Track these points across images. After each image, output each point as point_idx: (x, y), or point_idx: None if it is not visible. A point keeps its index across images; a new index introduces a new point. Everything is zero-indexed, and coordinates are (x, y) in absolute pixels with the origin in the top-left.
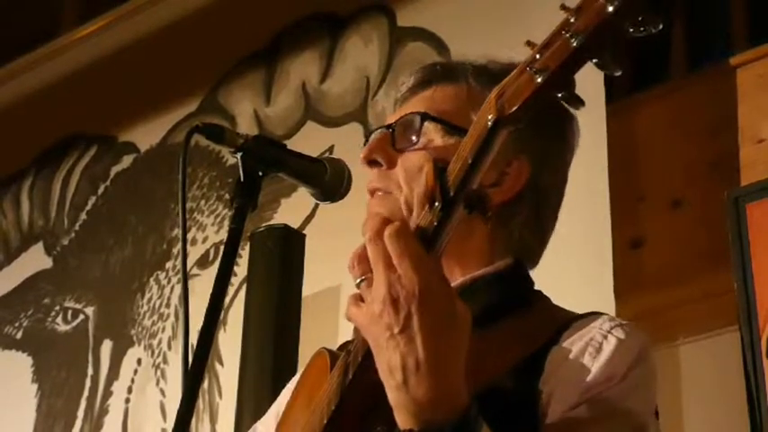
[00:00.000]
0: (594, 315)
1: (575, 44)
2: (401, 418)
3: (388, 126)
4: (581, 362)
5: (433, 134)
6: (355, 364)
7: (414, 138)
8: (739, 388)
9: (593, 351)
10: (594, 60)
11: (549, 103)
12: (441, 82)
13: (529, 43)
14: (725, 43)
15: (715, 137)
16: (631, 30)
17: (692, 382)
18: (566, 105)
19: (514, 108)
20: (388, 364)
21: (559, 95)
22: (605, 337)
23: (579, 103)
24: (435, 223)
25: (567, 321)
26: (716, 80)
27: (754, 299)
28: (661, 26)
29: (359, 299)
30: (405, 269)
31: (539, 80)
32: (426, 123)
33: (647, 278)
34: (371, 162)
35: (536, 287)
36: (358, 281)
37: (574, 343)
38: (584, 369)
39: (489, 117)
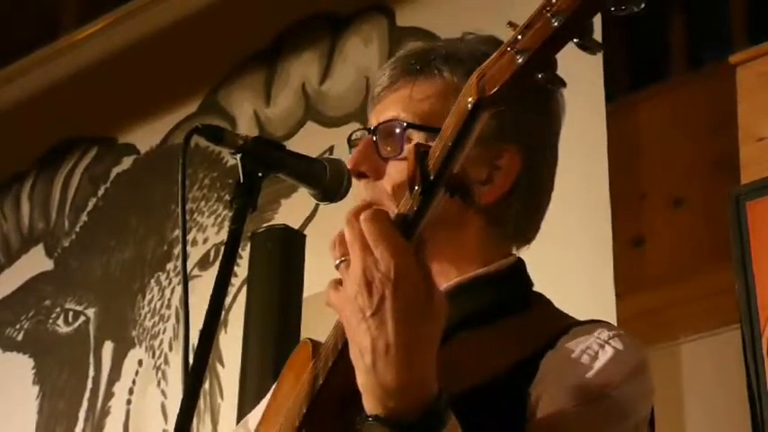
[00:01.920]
0: (594, 323)
1: (555, 24)
2: (368, 403)
3: (370, 130)
4: (576, 368)
5: (417, 140)
6: (335, 352)
7: (399, 147)
8: (740, 386)
9: (588, 359)
10: (576, 40)
11: (529, 83)
12: (417, 77)
13: (510, 24)
14: (725, 41)
15: (715, 135)
16: (613, 9)
17: (693, 381)
18: (548, 85)
19: (495, 89)
20: (359, 346)
21: (540, 76)
22: (602, 347)
23: (560, 83)
24: (415, 208)
25: (566, 327)
26: (716, 78)
27: (755, 297)
28: (643, 5)
29: (338, 284)
30: (381, 252)
31: (519, 60)
32: (409, 131)
33: (648, 277)
34: (358, 173)
35: (537, 285)
36: (337, 262)
37: (570, 350)
38: (579, 375)
39: (470, 99)
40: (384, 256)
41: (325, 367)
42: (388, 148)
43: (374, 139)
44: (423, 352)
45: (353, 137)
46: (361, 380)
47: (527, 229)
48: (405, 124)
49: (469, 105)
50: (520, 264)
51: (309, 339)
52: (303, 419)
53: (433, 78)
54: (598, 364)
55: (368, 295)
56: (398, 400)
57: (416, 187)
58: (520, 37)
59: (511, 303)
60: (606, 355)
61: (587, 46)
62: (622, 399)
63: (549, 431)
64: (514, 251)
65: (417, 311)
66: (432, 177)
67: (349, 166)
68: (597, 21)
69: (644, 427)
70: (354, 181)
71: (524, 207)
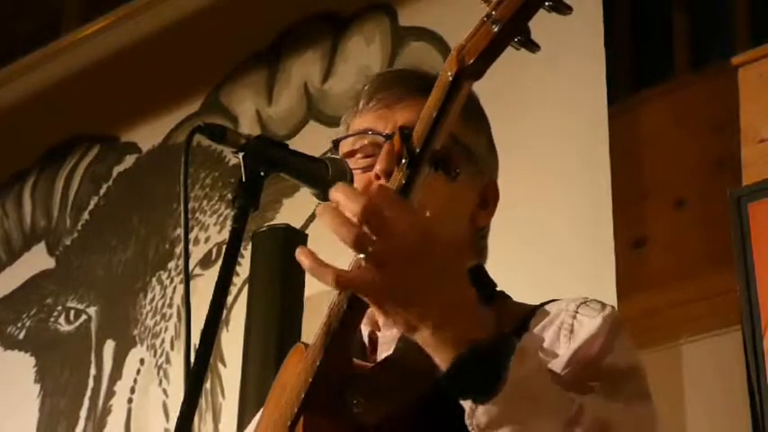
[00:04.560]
0: (556, 300)
1: None
2: (443, 354)
3: (387, 135)
4: (557, 346)
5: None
6: (329, 335)
7: None
8: (741, 388)
9: (566, 333)
10: (547, 3)
11: (503, 49)
12: (424, 94)
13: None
14: (727, 42)
15: (717, 136)
16: None
17: (695, 382)
18: (525, 50)
19: (474, 58)
20: (413, 314)
21: (516, 40)
22: (574, 317)
23: (535, 47)
24: (404, 181)
25: (532, 309)
26: (718, 79)
27: (757, 298)
28: None
29: (347, 274)
30: (405, 226)
31: (495, 29)
32: None
33: (649, 277)
34: (389, 175)
35: (538, 285)
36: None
37: (545, 328)
38: (564, 352)
39: (450, 72)
40: (407, 231)
41: (321, 351)
42: None
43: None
44: (468, 296)
45: (343, 144)
46: (427, 342)
47: (487, 250)
48: None
49: (450, 77)
50: (480, 266)
51: (302, 342)
52: (302, 403)
53: None
54: (579, 337)
55: (407, 272)
56: (468, 341)
57: (403, 161)
58: (494, 12)
59: None
60: (582, 325)
61: (557, 8)
62: (613, 358)
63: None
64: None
65: (451, 265)
66: (417, 150)
67: (381, 167)
68: (599, 22)
69: (640, 365)
70: (356, 181)
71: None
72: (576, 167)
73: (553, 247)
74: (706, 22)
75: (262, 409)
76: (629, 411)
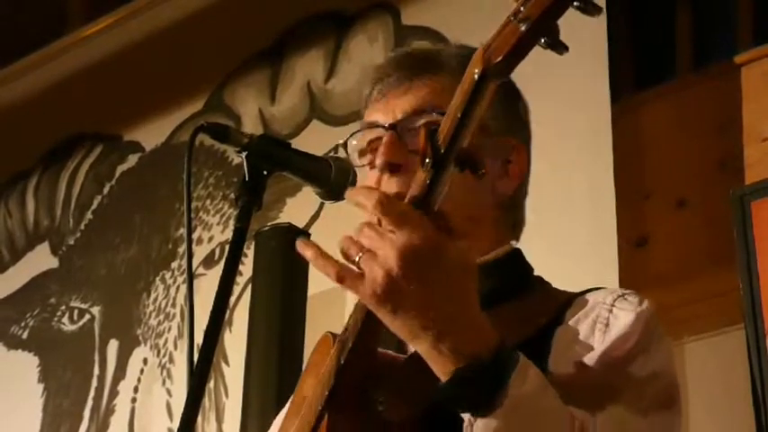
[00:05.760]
0: (594, 290)
1: None
2: (440, 367)
3: (390, 126)
4: (591, 340)
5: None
6: (355, 334)
7: None
8: (745, 387)
9: (601, 327)
10: (576, 4)
11: (531, 48)
12: (431, 72)
13: None
14: (730, 41)
15: (720, 135)
16: None
17: (698, 381)
18: (551, 51)
19: (500, 57)
20: (412, 327)
21: (543, 41)
22: (611, 311)
23: (563, 48)
24: (428, 181)
25: (568, 299)
26: (721, 79)
27: (760, 297)
28: None
29: (351, 271)
30: (407, 232)
31: (523, 28)
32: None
33: (652, 277)
34: (392, 167)
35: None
36: (358, 257)
37: (579, 321)
38: (597, 347)
39: (476, 71)
40: (411, 234)
41: (345, 350)
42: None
43: (396, 134)
44: (472, 308)
45: (353, 140)
46: (428, 353)
47: (524, 222)
48: (434, 114)
49: (476, 76)
50: (517, 252)
51: (330, 332)
52: (325, 402)
53: (443, 74)
54: (613, 332)
55: (408, 277)
56: (468, 355)
57: (427, 160)
58: (522, 8)
59: (510, 289)
60: (617, 320)
61: (586, 9)
62: (647, 356)
63: (581, 401)
64: (513, 243)
65: (457, 273)
66: (442, 150)
67: (381, 160)
68: (602, 21)
69: (673, 366)
70: (366, 178)
71: (524, 200)
72: (579, 167)
73: (556, 246)
74: (709, 21)
75: (291, 398)
76: (643, 423)
